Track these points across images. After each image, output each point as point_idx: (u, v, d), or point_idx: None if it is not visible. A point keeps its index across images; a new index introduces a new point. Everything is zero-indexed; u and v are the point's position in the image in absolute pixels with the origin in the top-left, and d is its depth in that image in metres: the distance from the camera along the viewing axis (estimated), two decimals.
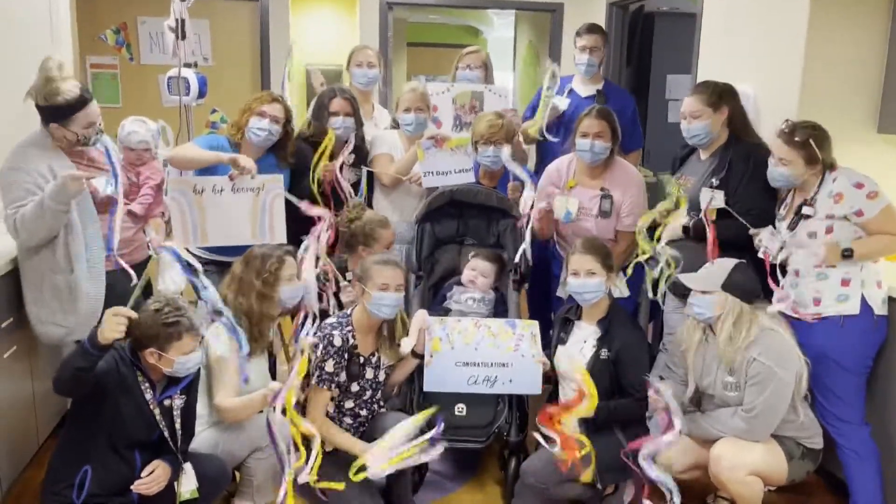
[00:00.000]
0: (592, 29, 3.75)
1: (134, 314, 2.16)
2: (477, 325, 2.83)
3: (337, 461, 2.47)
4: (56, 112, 2.51)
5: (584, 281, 2.68)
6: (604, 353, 2.66)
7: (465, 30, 9.40)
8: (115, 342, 2.13)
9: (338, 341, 2.57)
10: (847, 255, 2.51)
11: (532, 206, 3.04)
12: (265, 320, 2.63)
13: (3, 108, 2.57)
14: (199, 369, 2.40)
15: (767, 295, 2.64)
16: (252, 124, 3.04)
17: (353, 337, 2.62)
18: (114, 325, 2.09)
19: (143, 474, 2.26)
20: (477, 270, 3.10)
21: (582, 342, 2.75)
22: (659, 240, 2.89)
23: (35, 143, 2.57)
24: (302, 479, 2.28)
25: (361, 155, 3.38)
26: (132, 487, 2.23)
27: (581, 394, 2.39)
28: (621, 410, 2.61)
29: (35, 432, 2.93)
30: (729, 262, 2.58)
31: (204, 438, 2.51)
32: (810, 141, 2.53)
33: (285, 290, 2.62)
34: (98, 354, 2.10)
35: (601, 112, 3.08)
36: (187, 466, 2.34)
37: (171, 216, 2.98)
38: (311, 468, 2.28)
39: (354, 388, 2.66)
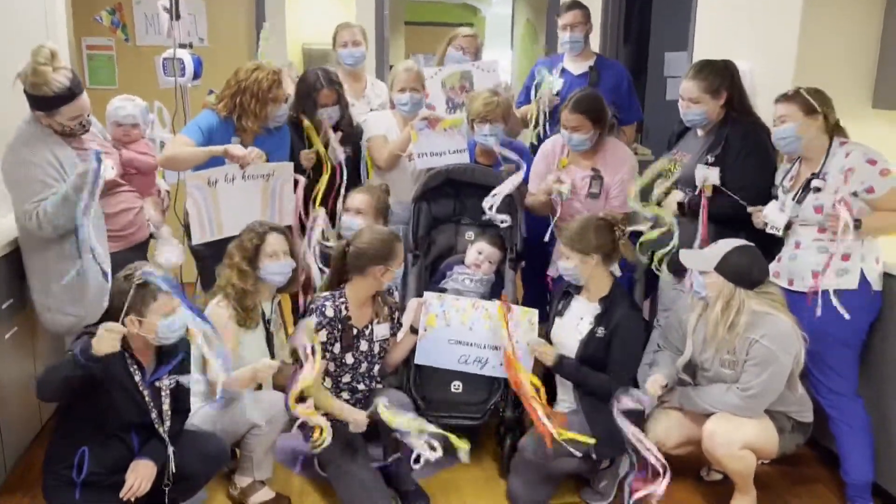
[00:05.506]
0: (571, 6, 3.75)
1: (124, 329, 2.11)
2: (475, 305, 2.84)
3: (338, 437, 2.51)
4: (42, 102, 2.50)
5: (564, 265, 2.73)
6: (600, 332, 2.67)
7: (463, 8, 9.34)
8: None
9: (330, 312, 2.61)
10: (856, 225, 2.48)
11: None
12: (248, 296, 2.61)
13: None
14: (190, 348, 2.37)
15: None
16: (273, 112, 3.04)
17: (347, 308, 2.66)
18: (110, 341, 2.05)
19: (126, 476, 2.22)
20: (484, 254, 3.10)
21: (579, 318, 2.76)
22: (659, 204, 2.88)
23: (34, 134, 2.55)
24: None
25: (351, 136, 3.39)
26: (121, 496, 2.20)
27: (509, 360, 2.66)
28: (588, 378, 2.64)
29: (37, 412, 2.97)
30: (729, 244, 2.54)
31: (202, 417, 2.53)
32: (801, 90, 2.55)
33: (270, 267, 2.63)
34: (89, 366, 2.05)
35: (577, 105, 3.00)
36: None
37: (188, 212, 2.97)
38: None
39: (349, 360, 2.70)
